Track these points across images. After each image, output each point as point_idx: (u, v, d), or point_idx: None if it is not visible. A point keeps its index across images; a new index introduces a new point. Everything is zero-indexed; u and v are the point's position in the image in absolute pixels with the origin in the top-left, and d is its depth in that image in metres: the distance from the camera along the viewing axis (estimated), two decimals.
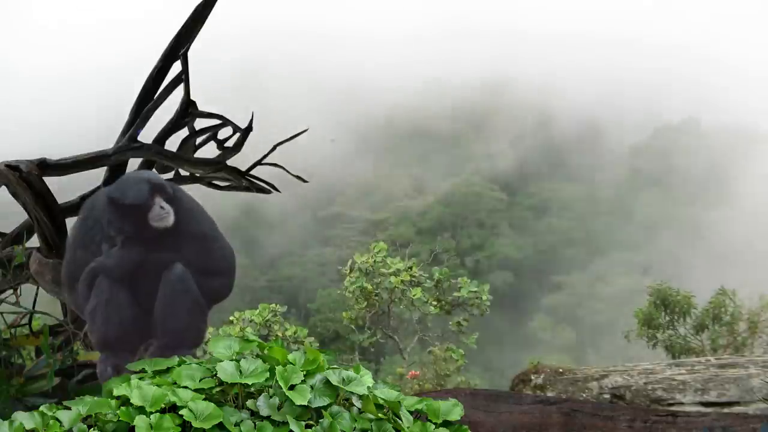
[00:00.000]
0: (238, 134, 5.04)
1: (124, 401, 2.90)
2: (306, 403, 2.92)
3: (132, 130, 4.80)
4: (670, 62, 67.15)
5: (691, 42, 68.10)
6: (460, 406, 3.23)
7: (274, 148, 5.11)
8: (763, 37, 66.03)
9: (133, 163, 5.03)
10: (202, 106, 4.97)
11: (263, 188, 5.27)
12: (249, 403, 2.96)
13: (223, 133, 5.14)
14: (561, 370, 6.26)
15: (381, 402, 3.10)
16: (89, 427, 2.83)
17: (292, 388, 2.95)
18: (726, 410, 5.20)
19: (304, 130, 5.30)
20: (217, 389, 3.00)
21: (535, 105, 66.64)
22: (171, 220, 3.82)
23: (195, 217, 3.97)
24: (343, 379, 3.06)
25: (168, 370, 3.17)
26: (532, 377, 6.12)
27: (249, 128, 4.98)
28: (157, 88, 4.90)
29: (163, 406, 2.86)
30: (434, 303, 15.19)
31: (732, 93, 61.65)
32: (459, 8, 77.29)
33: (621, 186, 58.83)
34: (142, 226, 3.78)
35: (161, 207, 3.80)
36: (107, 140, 4.90)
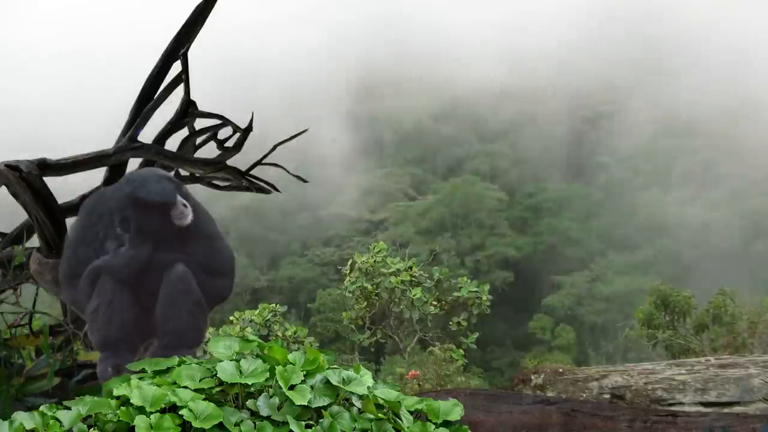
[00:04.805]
0: (238, 134, 5.04)
1: (124, 401, 2.90)
2: (306, 403, 2.92)
3: (132, 130, 4.80)
4: (670, 63, 67.13)
5: (694, 42, 68.09)
6: (460, 406, 3.23)
7: (274, 148, 5.10)
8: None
9: (133, 163, 5.03)
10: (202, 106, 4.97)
11: (263, 188, 5.27)
12: (249, 403, 2.96)
13: (223, 133, 5.14)
14: (561, 370, 6.26)
15: (381, 402, 3.10)
16: (89, 427, 2.83)
17: (292, 388, 2.94)
18: (726, 410, 5.21)
19: (304, 130, 5.29)
20: (217, 389, 3.00)
21: (534, 105, 66.65)
22: (191, 217, 3.81)
23: (202, 216, 3.97)
24: (343, 379, 3.06)
25: (168, 370, 3.17)
26: (532, 377, 6.12)
27: (249, 128, 4.97)
28: (157, 88, 4.90)
29: (163, 406, 2.85)
30: (434, 303, 15.21)
31: (733, 94, 61.63)
32: (460, 8, 77.30)
33: (621, 186, 58.80)
34: (165, 224, 3.76)
35: (183, 205, 3.79)
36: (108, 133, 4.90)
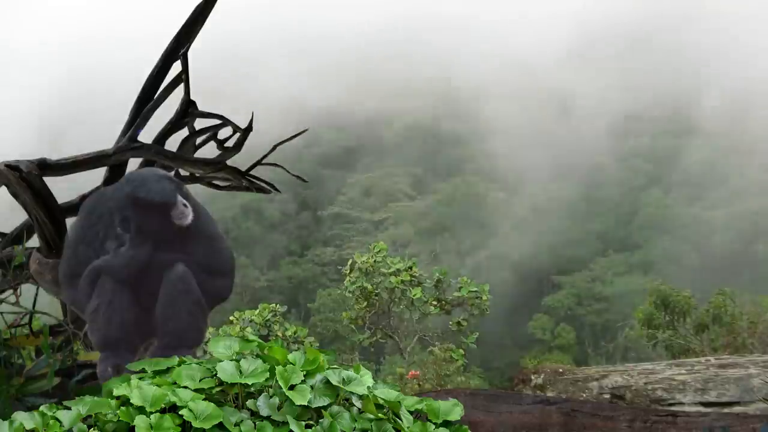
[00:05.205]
0: (238, 134, 5.04)
1: (124, 401, 2.89)
2: (306, 403, 2.92)
3: (132, 130, 4.80)
4: (670, 62, 67.11)
5: (694, 42, 68.07)
6: (460, 406, 3.23)
7: (274, 148, 5.10)
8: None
9: (133, 163, 5.03)
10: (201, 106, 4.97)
11: (263, 188, 5.27)
12: (249, 403, 2.96)
13: (223, 133, 5.14)
14: (561, 370, 6.27)
15: (381, 402, 3.10)
16: (89, 427, 2.83)
17: (292, 388, 2.94)
18: (726, 410, 5.21)
19: (305, 130, 5.29)
20: (217, 389, 3.00)
21: (534, 104, 66.64)
22: (191, 218, 3.81)
23: (202, 216, 3.96)
24: (343, 379, 3.06)
25: (168, 370, 3.16)
26: (532, 377, 6.13)
27: (249, 128, 4.97)
28: (157, 88, 4.90)
29: (163, 406, 2.85)
30: (434, 303, 15.18)
31: (733, 94, 61.64)
32: (458, 8, 77.30)
33: (621, 186, 58.82)
34: (165, 224, 3.77)
35: (184, 205, 3.79)
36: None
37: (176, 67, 4.93)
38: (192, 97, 4.91)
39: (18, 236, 5.04)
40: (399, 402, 3.13)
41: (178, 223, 3.78)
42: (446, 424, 3.17)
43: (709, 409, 5.21)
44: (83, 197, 4.77)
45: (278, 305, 15.87)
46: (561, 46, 70.67)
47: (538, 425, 4.39)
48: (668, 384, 5.64)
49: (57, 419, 2.81)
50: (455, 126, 66.21)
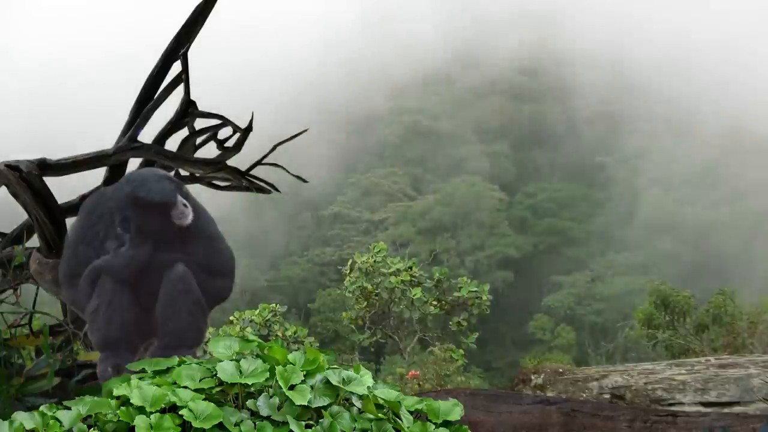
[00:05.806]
0: (238, 134, 5.04)
1: (124, 401, 2.90)
2: (306, 403, 2.92)
3: (132, 130, 4.80)
4: (670, 63, 67.13)
5: (694, 42, 68.11)
6: (460, 406, 3.23)
7: (274, 147, 5.10)
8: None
9: (133, 163, 5.03)
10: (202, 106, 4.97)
11: (263, 188, 5.27)
12: (249, 403, 2.96)
13: (223, 133, 5.14)
14: (561, 370, 6.27)
15: (381, 402, 3.10)
16: (89, 427, 2.83)
17: (292, 388, 2.95)
18: (726, 410, 5.21)
19: (305, 130, 5.29)
20: (217, 389, 3.00)
21: (535, 105, 66.65)
22: (191, 218, 3.81)
23: (202, 216, 3.97)
24: (343, 379, 3.06)
25: (168, 370, 3.17)
26: (532, 377, 6.13)
27: (249, 128, 4.97)
28: (157, 88, 4.90)
29: (163, 406, 2.86)
30: (434, 303, 15.21)
31: (733, 94, 61.64)
32: (459, 7, 77.30)
33: (621, 186, 58.81)
34: (165, 224, 3.77)
35: (184, 205, 3.79)
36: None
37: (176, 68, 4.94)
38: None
39: (18, 236, 5.04)
40: (399, 402, 3.13)
41: (178, 223, 3.78)
42: (446, 424, 3.17)
43: (709, 409, 5.22)
44: (83, 197, 4.77)
45: (278, 305, 15.88)
46: (560, 45, 70.66)
47: (538, 425, 4.39)
48: (668, 384, 5.65)
49: (57, 419, 2.81)
50: (455, 126, 66.17)
